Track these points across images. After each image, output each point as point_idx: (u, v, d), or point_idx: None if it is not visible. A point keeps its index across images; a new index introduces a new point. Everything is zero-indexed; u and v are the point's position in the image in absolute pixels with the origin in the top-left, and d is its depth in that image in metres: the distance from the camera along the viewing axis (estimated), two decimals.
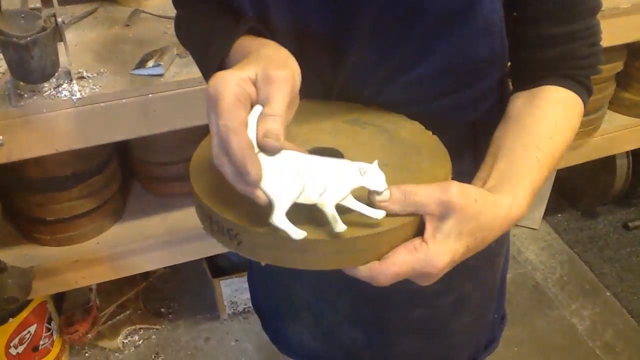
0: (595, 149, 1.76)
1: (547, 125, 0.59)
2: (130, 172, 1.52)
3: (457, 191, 0.48)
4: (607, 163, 1.97)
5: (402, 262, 0.47)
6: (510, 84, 0.69)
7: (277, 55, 0.51)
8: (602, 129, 1.74)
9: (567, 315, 1.81)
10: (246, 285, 1.73)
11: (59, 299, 1.63)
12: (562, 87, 0.62)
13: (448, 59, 0.59)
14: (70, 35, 1.23)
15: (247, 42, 0.57)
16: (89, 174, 1.28)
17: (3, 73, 1.10)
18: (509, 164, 0.55)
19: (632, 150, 1.94)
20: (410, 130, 0.60)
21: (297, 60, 0.52)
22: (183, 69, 1.15)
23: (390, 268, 0.47)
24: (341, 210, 0.46)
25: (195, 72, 1.13)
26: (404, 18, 0.57)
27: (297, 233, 0.44)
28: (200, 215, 0.52)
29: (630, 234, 2.07)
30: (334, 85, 0.63)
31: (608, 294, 1.87)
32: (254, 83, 0.47)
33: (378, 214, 0.47)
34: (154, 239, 1.40)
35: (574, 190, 2.16)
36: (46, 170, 1.22)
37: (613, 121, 1.77)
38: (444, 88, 0.63)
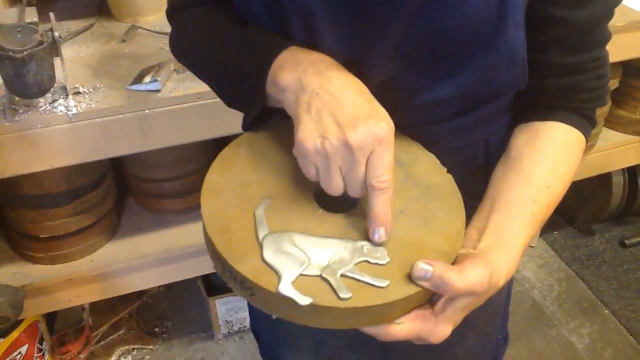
0: (591, 166, 1.76)
1: (545, 172, 0.59)
2: (125, 189, 1.51)
3: (487, 281, 0.49)
4: (603, 180, 1.98)
5: (409, 329, 0.49)
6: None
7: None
8: (598, 146, 1.74)
9: (565, 334, 1.79)
10: (241, 304, 1.72)
11: (50, 318, 1.60)
12: (566, 123, 0.61)
13: (470, 83, 0.58)
14: (66, 50, 1.22)
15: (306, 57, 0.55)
16: (83, 191, 1.26)
17: None
18: (505, 218, 0.56)
19: (627, 168, 1.94)
20: (426, 166, 0.59)
21: None
22: (180, 84, 1.14)
23: (398, 333, 0.49)
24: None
25: (192, 87, 1.13)
26: (426, 43, 0.56)
27: (303, 300, 0.46)
28: (213, 258, 0.51)
29: (627, 252, 2.07)
30: None
31: (606, 312, 1.86)
32: None
33: (383, 284, 0.48)
34: (148, 256, 1.38)
35: (571, 208, 2.15)
36: (40, 187, 1.20)
37: (609, 138, 1.77)
38: (459, 109, 0.62)
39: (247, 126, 0.60)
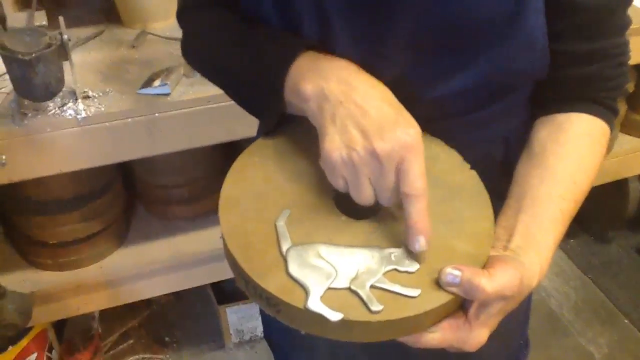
0: (606, 172, 1.73)
1: (571, 166, 0.57)
2: (134, 195, 1.50)
3: (519, 284, 0.48)
4: (619, 186, 1.94)
5: (442, 338, 0.48)
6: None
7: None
8: (613, 152, 1.71)
9: (583, 343, 1.75)
10: (252, 312, 1.70)
11: (59, 326, 1.59)
12: (588, 113, 0.60)
13: (486, 73, 0.56)
14: (76, 56, 1.22)
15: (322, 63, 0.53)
16: (92, 196, 1.26)
17: (8, 93, 1.09)
18: (533, 217, 0.54)
19: None
20: (448, 164, 0.57)
21: None
22: (189, 88, 1.13)
23: (430, 342, 0.48)
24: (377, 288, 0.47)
25: (202, 91, 1.12)
26: (441, 32, 0.54)
27: (333, 315, 0.44)
28: (235, 275, 0.50)
29: None
30: None
31: (625, 321, 1.82)
32: None
33: (414, 293, 0.46)
34: (158, 263, 1.37)
35: (586, 215, 2.10)
36: (48, 192, 1.20)
37: (624, 144, 1.74)
38: (476, 102, 0.60)
39: (266, 133, 0.59)
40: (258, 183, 0.53)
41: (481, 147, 0.63)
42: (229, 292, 1.69)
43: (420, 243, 0.47)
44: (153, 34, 1.32)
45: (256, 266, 0.47)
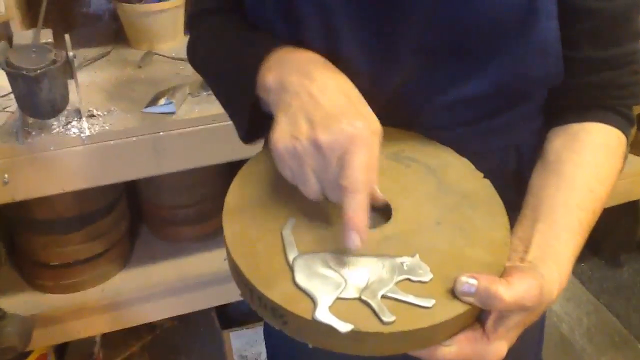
0: (617, 193, 1.70)
1: (588, 174, 0.55)
2: (138, 216, 1.48)
3: (539, 294, 0.45)
4: (630, 208, 1.91)
5: (458, 352, 0.45)
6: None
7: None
8: (623, 173, 1.63)
9: None
10: (257, 337, 1.67)
11: (60, 350, 1.55)
12: (603, 122, 0.58)
13: (498, 79, 0.55)
14: (82, 76, 1.22)
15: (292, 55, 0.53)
16: (95, 216, 1.24)
17: (13, 112, 1.08)
18: (550, 227, 0.52)
19: None
20: (460, 172, 0.55)
21: None
22: (195, 107, 1.12)
23: (446, 357, 0.45)
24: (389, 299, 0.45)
25: (207, 110, 1.11)
26: (451, 35, 0.53)
27: (343, 326, 0.42)
28: (239, 285, 0.47)
29: None
30: (369, 103, 0.58)
31: (639, 346, 1.77)
32: None
33: (428, 303, 0.44)
34: (161, 286, 1.34)
35: (596, 238, 2.07)
36: (51, 211, 1.18)
37: (635, 165, 1.72)
38: (488, 110, 0.59)
39: (244, 134, 0.58)
40: (263, 191, 0.52)
41: (493, 158, 0.62)
42: (233, 316, 1.66)
43: (354, 240, 0.45)
44: (159, 54, 1.32)
45: (261, 275, 0.44)
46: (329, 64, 0.52)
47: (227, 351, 1.64)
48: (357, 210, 0.44)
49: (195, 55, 0.68)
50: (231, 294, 1.37)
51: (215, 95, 0.64)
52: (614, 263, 2.07)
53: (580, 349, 1.77)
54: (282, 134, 0.47)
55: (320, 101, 0.47)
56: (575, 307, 1.93)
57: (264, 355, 1.65)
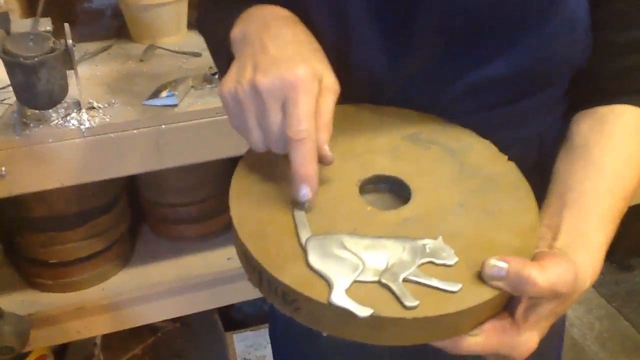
0: None
1: (618, 160, 0.52)
2: (139, 214, 1.45)
3: (573, 280, 0.42)
4: None
5: (485, 343, 0.42)
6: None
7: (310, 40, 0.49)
8: None
9: None
10: (261, 340, 1.63)
11: (60, 352, 1.52)
12: (633, 105, 0.55)
13: (523, 60, 0.52)
14: (83, 69, 1.19)
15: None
16: (95, 214, 1.21)
17: (10, 104, 1.05)
18: (579, 214, 0.49)
19: None
20: (482, 154, 0.52)
21: (343, 55, 0.48)
22: (198, 99, 1.09)
23: (472, 347, 0.42)
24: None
25: (210, 102, 1.08)
26: (474, 13, 0.50)
27: (362, 310, 0.38)
28: (247, 269, 0.44)
29: None
30: (386, 87, 0.55)
31: None
32: None
33: (454, 287, 0.40)
34: (163, 286, 1.30)
35: None
36: (50, 208, 1.15)
37: None
38: (513, 93, 0.56)
39: None
40: (273, 170, 0.49)
41: (515, 147, 0.59)
42: (236, 319, 1.63)
43: (304, 192, 0.43)
44: (162, 48, 1.30)
45: (271, 257, 0.41)
46: (294, 18, 0.51)
47: (231, 354, 1.61)
48: (306, 161, 0.43)
49: (199, 17, 0.68)
50: (234, 295, 1.34)
51: (213, 59, 0.65)
52: (625, 267, 2.03)
53: (593, 354, 1.73)
54: (228, 79, 0.47)
55: (269, 48, 0.47)
56: (587, 311, 1.88)
57: (268, 358, 1.62)
